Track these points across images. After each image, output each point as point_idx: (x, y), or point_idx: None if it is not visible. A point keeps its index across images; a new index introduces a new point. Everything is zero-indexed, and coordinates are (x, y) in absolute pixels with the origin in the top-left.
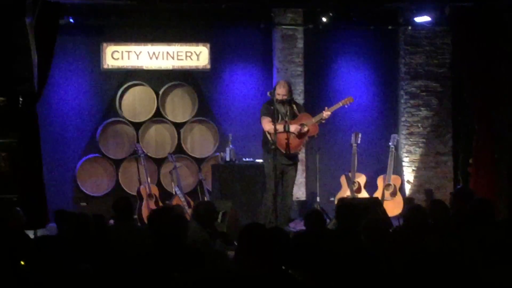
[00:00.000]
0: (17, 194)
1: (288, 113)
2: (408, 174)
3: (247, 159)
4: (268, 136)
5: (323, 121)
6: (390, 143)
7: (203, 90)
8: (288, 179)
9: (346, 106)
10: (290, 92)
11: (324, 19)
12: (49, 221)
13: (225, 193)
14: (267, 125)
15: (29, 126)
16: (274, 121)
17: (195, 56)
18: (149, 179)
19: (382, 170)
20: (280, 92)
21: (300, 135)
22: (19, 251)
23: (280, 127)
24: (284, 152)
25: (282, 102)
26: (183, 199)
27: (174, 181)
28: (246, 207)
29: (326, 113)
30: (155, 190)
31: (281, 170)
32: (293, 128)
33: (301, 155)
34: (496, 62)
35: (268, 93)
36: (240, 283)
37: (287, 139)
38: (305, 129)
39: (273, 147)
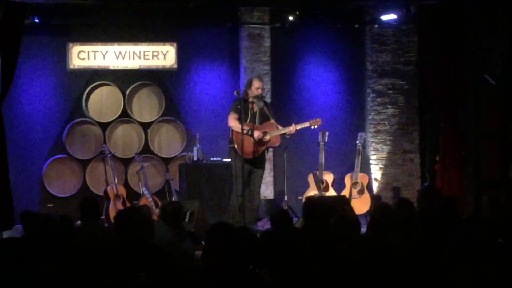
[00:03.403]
0: None
1: (258, 113)
2: (376, 172)
3: (215, 159)
4: (230, 135)
5: (287, 136)
6: (357, 141)
7: (170, 90)
8: (255, 179)
9: (312, 128)
10: (263, 88)
11: (290, 18)
12: (15, 223)
13: (193, 193)
14: (232, 121)
15: None
16: (242, 120)
17: (161, 55)
18: (116, 180)
19: (350, 169)
20: (258, 85)
21: (260, 142)
22: None
23: (244, 129)
24: (241, 153)
25: (258, 97)
26: (150, 199)
27: (142, 181)
28: (214, 206)
29: (293, 128)
30: (122, 191)
31: (249, 170)
32: (256, 134)
33: (269, 154)
34: (461, 60)
35: (235, 92)
36: (208, 282)
37: (246, 142)
38: (267, 138)
39: (231, 145)
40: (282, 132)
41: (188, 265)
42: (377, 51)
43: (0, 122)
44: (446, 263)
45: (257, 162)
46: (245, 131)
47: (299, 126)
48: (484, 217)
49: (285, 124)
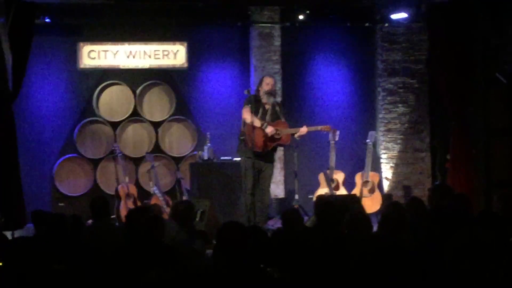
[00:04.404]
0: None
1: (270, 112)
2: (386, 170)
3: (225, 158)
4: (242, 127)
5: (298, 138)
6: (368, 140)
7: (181, 89)
8: (265, 177)
9: (323, 132)
10: (275, 85)
11: (301, 17)
12: (26, 222)
13: (204, 192)
14: (246, 113)
15: (5, 126)
16: (253, 115)
17: (172, 54)
18: (127, 179)
19: (360, 167)
20: (268, 81)
21: (271, 138)
22: None
23: (257, 123)
24: (250, 146)
25: (269, 93)
26: (161, 198)
27: (152, 180)
28: (225, 205)
29: (303, 130)
30: (133, 190)
31: (258, 168)
32: (269, 129)
33: (280, 153)
34: (471, 58)
35: (245, 91)
36: (219, 281)
37: (255, 135)
38: (279, 136)
39: (241, 137)
40: (293, 132)
41: (199, 264)
42: (388, 50)
43: (11, 121)
44: (455, 261)
45: (266, 158)
46: (258, 124)
47: (310, 129)
48: (495, 214)
49: (296, 124)
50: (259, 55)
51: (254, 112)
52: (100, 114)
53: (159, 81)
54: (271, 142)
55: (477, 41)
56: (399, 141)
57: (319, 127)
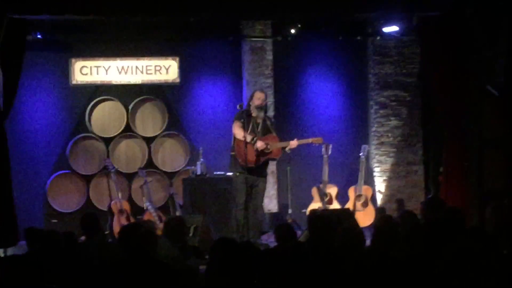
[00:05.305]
0: None
1: (260, 126)
2: (379, 184)
3: (218, 173)
4: (232, 141)
5: (288, 151)
6: (360, 154)
7: (173, 104)
8: (257, 192)
9: (314, 145)
10: (265, 100)
11: (292, 31)
12: (19, 239)
13: (197, 207)
14: (236, 129)
15: None
16: (244, 130)
17: (164, 70)
18: (120, 195)
19: (353, 181)
20: (259, 96)
21: (262, 153)
22: None
23: (248, 138)
24: (241, 161)
25: (259, 108)
26: (154, 214)
27: (145, 196)
28: (218, 220)
29: (294, 143)
30: (126, 206)
31: (251, 183)
32: (259, 144)
33: (273, 167)
34: (463, 70)
35: (237, 106)
36: None
37: (248, 150)
38: (269, 150)
39: (232, 153)
40: (284, 146)
41: (192, 281)
42: (380, 63)
43: (3, 138)
44: (447, 275)
45: (258, 172)
46: (248, 139)
47: (300, 141)
48: (482, 230)
49: (287, 138)
50: (251, 69)
51: (245, 126)
52: (93, 130)
53: (152, 97)
54: (262, 157)
55: (469, 52)
56: (391, 154)
57: (310, 140)
